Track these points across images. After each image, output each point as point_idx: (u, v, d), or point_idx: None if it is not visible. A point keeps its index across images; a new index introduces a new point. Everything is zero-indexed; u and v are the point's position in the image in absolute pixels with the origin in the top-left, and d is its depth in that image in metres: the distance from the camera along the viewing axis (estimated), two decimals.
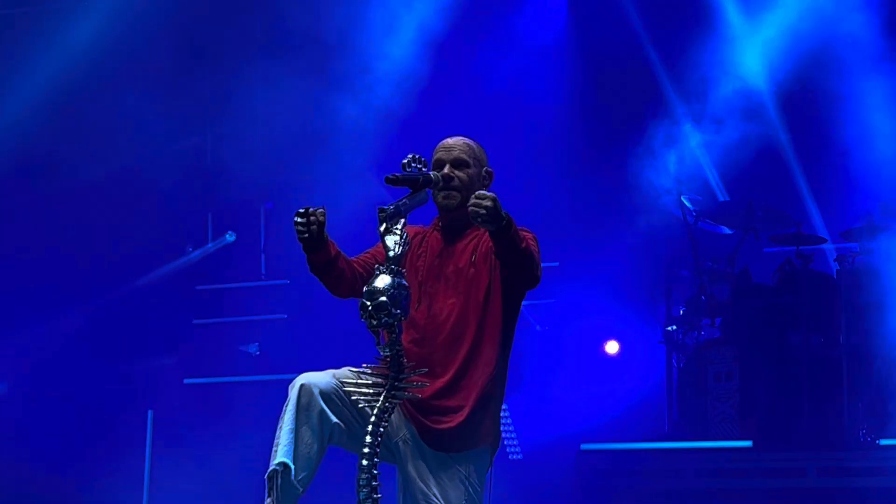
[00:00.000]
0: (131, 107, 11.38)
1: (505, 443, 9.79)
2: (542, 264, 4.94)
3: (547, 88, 11.30)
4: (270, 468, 4.73)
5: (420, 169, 4.75)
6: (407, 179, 4.73)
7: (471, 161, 5.00)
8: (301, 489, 4.72)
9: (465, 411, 4.86)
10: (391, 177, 4.70)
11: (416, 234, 4.90)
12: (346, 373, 4.80)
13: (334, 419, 4.78)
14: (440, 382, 4.79)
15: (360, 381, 4.57)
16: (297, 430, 4.74)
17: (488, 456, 4.97)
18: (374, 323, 4.41)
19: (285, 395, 4.84)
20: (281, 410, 4.78)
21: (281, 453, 4.73)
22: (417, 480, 4.88)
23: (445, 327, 4.89)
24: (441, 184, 4.87)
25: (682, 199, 9.53)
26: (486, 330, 4.91)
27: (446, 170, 4.93)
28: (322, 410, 4.76)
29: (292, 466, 4.70)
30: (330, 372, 4.89)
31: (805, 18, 10.28)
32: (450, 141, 5.07)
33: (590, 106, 11.20)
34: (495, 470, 5.07)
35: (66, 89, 11.25)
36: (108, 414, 10.80)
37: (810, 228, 9.42)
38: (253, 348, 11.37)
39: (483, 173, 5.06)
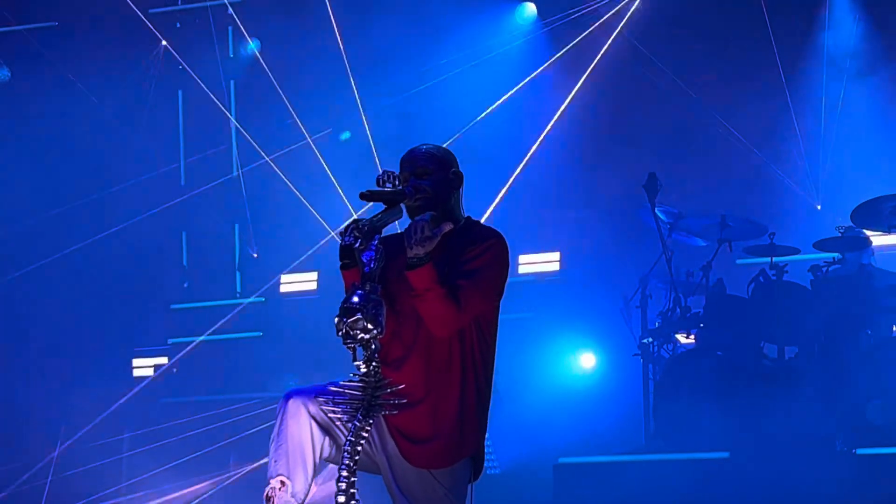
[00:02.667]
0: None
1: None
2: (518, 278, 4.95)
3: (527, 102, 11.35)
4: (268, 486, 4.74)
5: (394, 184, 4.75)
6: (381, 195, 4.74)
7: (433, 167, 5.01)
8: None
9: (445, 429, 4.85)
10: (366, 193, 4.71)
11: (388, 245, 4.90)
12: (326, 389, 4.81)
13: (324, 433, 4.80)
14: (416, 399, 4.79)
15: (336, 398, 4.57)
16: (291, 447, 4.75)
17: (469, 468, 4.97)
18: (351, 340, 4.41)
19: (262, 413, 4.85)
20: (273, 427, 4.80)
21: (277, 469, 4.75)
22: (400, 496, 4.89)
23: (414, 345, 4.89)
24: (410, 198, 4.89)
25: (657, 211, 9.54)
26: (457, 346, 4.90)
27: (410, 181, 4.96)
28: (311, 424, 4.78)
29: (289, 482, 4.71)
30: (318, 386, 4.90)
31: None
32: (412, 152, 5.09)
33: (567, 121, 11.24)
34: (474, 484, 5.06)
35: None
36: (85, 435, 10.75)
37: (784, 239, 9.43)
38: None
39: (450, 175, 5.07)
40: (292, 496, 4.71)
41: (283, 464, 4.73)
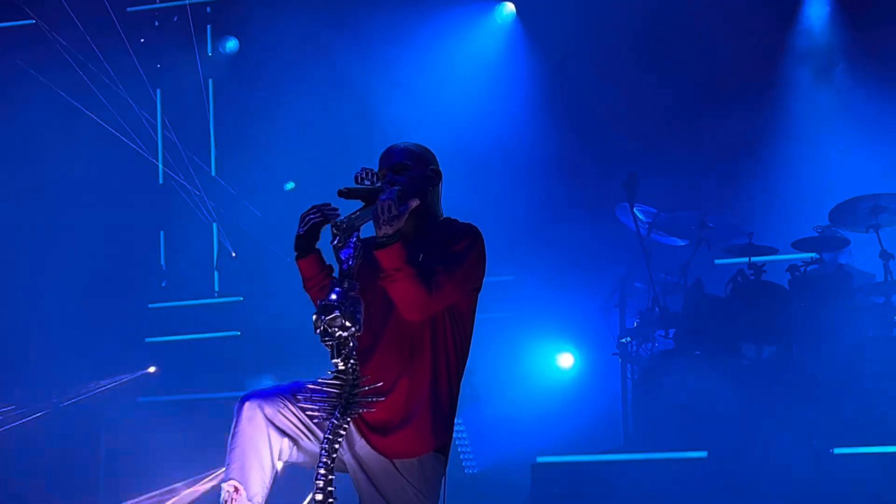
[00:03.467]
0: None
1: (460, 456, 9.78)
2: (498, 279, 4.96)
3: (506, 102, 11.36)
4: (223, 491, 4.72)
5: (371, 181, 4.74)
6: (359, 192, 4.72)
7: (411, 163, 5.01)
8: None
9: (414, 416, 4.84)
10: (343, 190, 4.70)
11: (365, 243, 4.89)
12: (298, 387, 4.79)
13: (282, 436, 4.77)
14: (385, 388, 4.76)
15: (314, 395, 4.55)
16: (245, 450, 4.72)
17: (440, 465, 4.95)
18: (328, 338, 4.40)
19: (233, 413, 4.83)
20: (229, 430, 4.77)
21: (231, 474, 4.72)
22: (369, 496, 4.87)
23: (384, 332, 4.88)
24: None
25: (635, 210, 9.55)
26: (428, 332, 4.89)
27: (388, 178, 4.96)
28: (268, 427, 4.75)
29: (243, 487, 4.68)
30: (277, 387, 4.89)
31: None
32: (390, 149, 5.09)
33: (549, 122, 11.24)
34: (451, 483, 5.04)
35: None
36: (61, 434, 10.71)
37: (762, 239, 9.45)
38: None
39: (429, 173, 5.06)
40: (249, 500, 4.69)
41: (237, 468, 4.71)
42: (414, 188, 4.91)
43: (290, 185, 11.26)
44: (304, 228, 4.95)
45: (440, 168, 5.14)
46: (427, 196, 5.00)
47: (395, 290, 4.73)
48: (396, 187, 4.78)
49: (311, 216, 4.96)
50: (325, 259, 5.06)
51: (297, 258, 5.00)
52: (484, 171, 11.02)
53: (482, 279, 5.00)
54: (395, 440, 4.83)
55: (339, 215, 4.83)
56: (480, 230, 5.02)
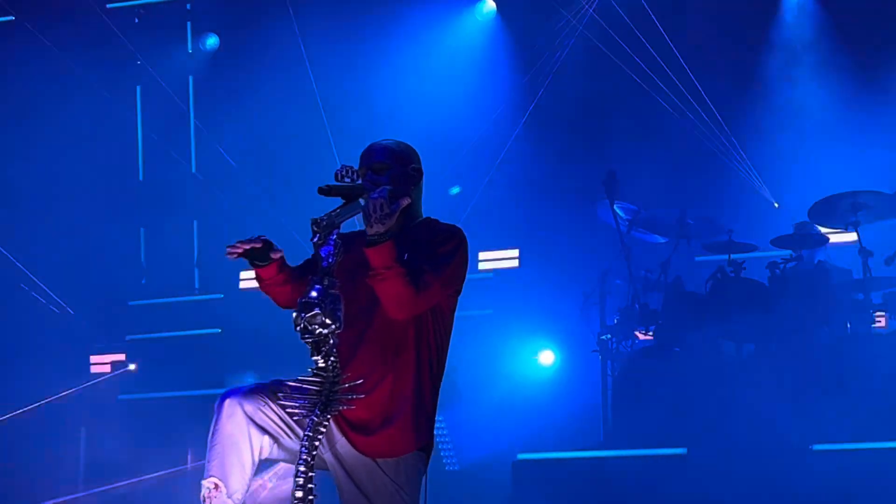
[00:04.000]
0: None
1: (441, 453, 9.79)
2: (477, 275, 4.96)
3: (487, 101, 11.37)
4: (203, 488, 4.71)
5: (352, 179, 4.74)
6: (339, 190, 4.72)
7: (391, 162, 5.01)
8: None
9: (397, 416, 4.84)
10: (324, 187, 4.69)
11: (345, 240, 4.88)
12: (278, 384, 4.79)
13: (262, 433, 4.76)
14: (368, 387, 4.76)
15: (294, 392, 4.55)
16: (225, 447, 4.71)
17: (422, 463, 4.95)
18: (309, 335, 4.40)
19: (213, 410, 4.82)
20: (209, 427, 4.76)
21: (211, 471, 4.71)
22: (350, 493, 4.87)
23: (367, 331, 4.88)
24: (366, 192, 4.87)
25: (615, 208, 9.57)
26: (411, 331, 4.90)
27: (368, 176, 4.96)
28: (249, 424, 4.74)
29: (223, 484, 4.67)
30: (257, 385, 4.88)
31: None
32: (371, 147, 5.09)
33: (529, 120, 11.25)
34: (431, 480, 5.05)
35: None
36: (41, 431, 10.69)
37: (741, 236, 9.48)
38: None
39: (410, 171, 5.06)
40: (229, 497, 4.68)
41: (217, 465, 4.70)
42: (394, 187, 4.90)
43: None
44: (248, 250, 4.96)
45: (422, 166, 5.14)
46: (408, 195, 5.00)
47: (384, 288, 4.73)
48: (388, 186, 4.78)
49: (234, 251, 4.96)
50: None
51: (258, 265, 5.01)
52: (464, 169, 11.03)
53: (464, 281, 5.01)
54: (378, 440, 4.83)
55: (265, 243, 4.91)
56: (463, 231, 5.03)
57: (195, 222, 12.01)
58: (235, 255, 4.94)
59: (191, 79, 12.33)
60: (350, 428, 4.84)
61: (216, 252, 11.77)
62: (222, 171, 11.86)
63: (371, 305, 4.83)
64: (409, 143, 5.20)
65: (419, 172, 5.10)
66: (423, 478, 4.96)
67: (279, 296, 5.12)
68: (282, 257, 5.04)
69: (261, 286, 5.12)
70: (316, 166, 10.27)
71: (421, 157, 5.18)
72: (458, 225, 5.07)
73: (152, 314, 11.79)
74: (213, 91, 12.22)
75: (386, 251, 4.67)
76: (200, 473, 4.74)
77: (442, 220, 5.12)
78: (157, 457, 9.91)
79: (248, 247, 4.91)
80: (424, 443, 4.93)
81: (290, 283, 5.07)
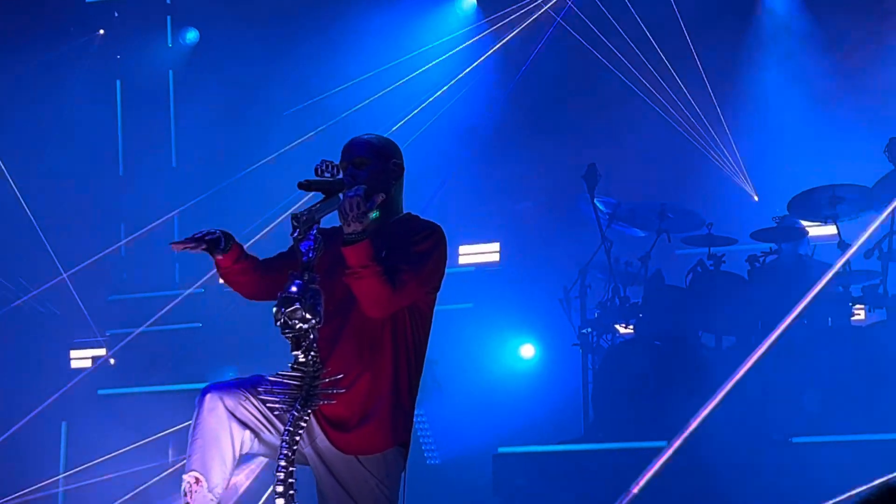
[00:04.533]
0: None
1: (422, 447, 9.80)
2: (458, 269, 4.97)
3: (467, 94, 11.37)
4: (183, 482, 4.71)
5: (332, 174, 4.74)
6: (319, 184, 4.72)
7: (371, 157, 5.00)
8: (215, 500, 4.70)
9: (375, 413, 4.85)
10: (303, 182, 4.69)
11: (325, 235, 4.87)
12: (258, 380, 4.79)
13: (243, 428, 4.76)
14: (346, 384, 4.76)
15: (274, 387, 4.55)
16: (206, 441, 4.71)
17: (401, 458, 4.96)
18: (289, 330, 4.40)
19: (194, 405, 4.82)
20: (191, 422, 4.76)
21: (192, 466, 4.71)
22: (331, 488, 4.87)
23: (345, 328, 4.88)
24: (346, 187, 4.87)
25: (596, 201, 9.58)
26: (389, 329, 4.90)
27: (348, 171, 4.96)
28: (230, 419, 4.74)
29: (204, 478, 4.68)
30: (238, 380, 4.88)
31: None
32: (351, 141, 5.09)
33: (509, 114, 11.26)
34: (412, 474, 5.05)
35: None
36: (21, 426, 10.66)
37: (721, 230, 9.50)
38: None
39: (390, 167, 5.05)
40: (209, 491, 4.69)
41: (198, 459, 4.70)
42: (374, 182, 4.90)
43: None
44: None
45: (403, 161, 5.14)
46: (388, 190, 5.00)
47: (361, 286, 4.72)
48: (363, 185, 4.77)
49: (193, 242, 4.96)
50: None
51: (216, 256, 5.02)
52: (444, 162, 11.04)
53: (442, 279, 5.02)
54: (356, 437, 4.84)
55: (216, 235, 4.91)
56: (442, 228, 5.02)
57: (176, 217, 11.99)
58: (179, 248, 4.95)
59: (171, 73, 12.32)
60: (329, 425, 4.85)
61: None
62: (203, 165, 11.84)
63: (348, 302, 4.83)
64: (390, 138, 5.20)
65: (400, 167, 5.10)
66: (403, 473, 4.97)
67: (241, 286, 5.13)
68: (240, 248, 5.04)
69: (220, 275, 5.12)
70: (295, 161, 10.27)
71: (402, 151, 5.18)
72: (438, 221, 5.08)
73: (133, 309, 11.77)
74: (193, 85, 12.20)
75: (363, 250, 4.67)
76: (181, 468, 4.74)
77: (422, 216, 5.12)
78: (137, 451, 9.90)
79: (191, 244, 4.92)
80: (403, 439, 4.94)
81: (252, 273, 5.07)
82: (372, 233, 4.71)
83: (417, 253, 4.86)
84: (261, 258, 5.15)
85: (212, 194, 11.62)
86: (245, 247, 5.07)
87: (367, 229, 4.67)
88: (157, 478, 9.58)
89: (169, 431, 9.52)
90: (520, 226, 10.94)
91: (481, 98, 11.39)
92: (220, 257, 4.98)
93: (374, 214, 4.69)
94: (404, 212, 5.16)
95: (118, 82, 12.28)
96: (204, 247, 4.95)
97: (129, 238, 11.83)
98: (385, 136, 5.20)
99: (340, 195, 4.74)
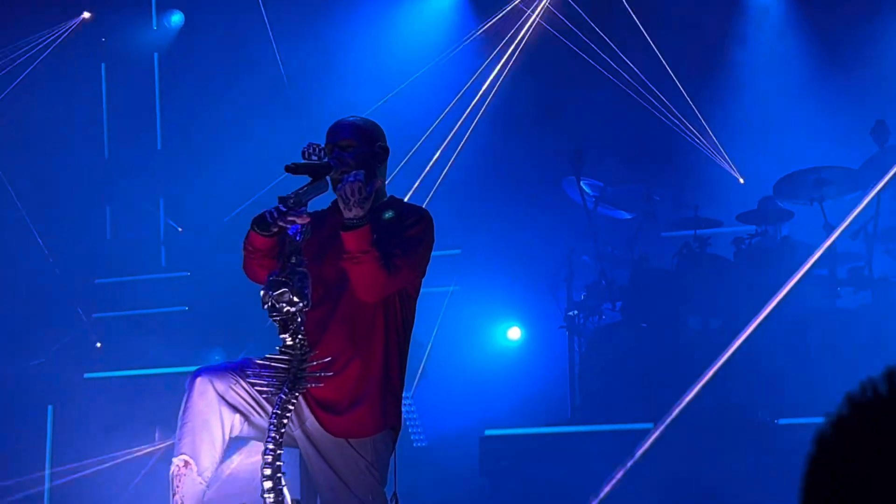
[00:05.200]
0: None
1: (409, 430, 9.81)
2: (445, 252, 4.97)
3: (453, 77, 11.35)
4: (172, 465, 4.71)
5: (319, 157, 4.74)
6: (306, 167, 4.72)
7: (357, 140, 5.00)
8: (205, 483, 4.71)
9: (366, 397, 4.86)
10: (291, 165, 4.70)
11: (313, 218, 4.87)
12: (247, 363, 4.79)
13: (233, 411, 4.77)
14: (337, 368, 4.78)
15: (262, 371, 4.56)
16: (196, 425, 4.72)
17: (391, 441, 4.97)
18: (277, 313, 4.41)
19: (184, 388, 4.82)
20: (180, 405, 4.77)
21: (181, 449, 4.72)
22: (320, 470, 4.88)
23: (336, 312, 4.89)
24: (335, 171, 4.88)
25: (582, 184, 9.59)
26: (380, 312, 4.91)
27: (334, 153, 4.96)
28: (220, 403, 4.75)
29: (194, 462, 4.68)
30: (227, 363, 4.89)
31: None
32: (337, 124, 5.09)
33: (496, 97, 11.24)
34: (399, 457, 5.07)
35: None
36: (7, 410, 10.65)
37: (707, 212, 9.52)
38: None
39: (376, 149, 5.06)
40: (199, 475, 4.69)
41: (188, 442, 4.71)
42: (360, 165, 4.91)
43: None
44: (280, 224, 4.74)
45: (387, 144, 5.14)
46: (374, 173, 5.01)
47: (359, 271, 4.73)
48: (362, 171, 4.77)
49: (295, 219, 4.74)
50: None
51: (258, 232, 4.81)
52: (430, 146, 11.02)
53: (429, 263, 5.04)
54: (346, 420, 4.85)
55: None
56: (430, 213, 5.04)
57: (161, 199, 11.97)
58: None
59: (156, 56, 12.28)
60: (319, 408, 4.86)
61: (184, 229, 11.80)
62: (188, 148, 11.82)
63: (339, 286, 4.84)
64: (374, 121, 5.20)
65: (385, 150, 5.11)
66: (392, 456, 4.98)
67: (260, 271, 5.00)
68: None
69: (251, 254, 4.92)
70: (282, 144, 10.25)
71: (386, 134, 5.19)
72: (425, 205, 5.10)
73: (119, 292, 11.75)
74: (178, 68, 12.17)
75: (363, 235, 4.68)
76: (169, 451, 4.75)
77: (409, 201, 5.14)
78: (124, 435, 9.88)
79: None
80: (393, 423, 4.96)
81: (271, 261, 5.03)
82: (367, 217, 4.73)
83: (409, 238, 4.88)
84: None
85: (197, 177, 11.60)
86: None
87: (367, 214, 4.68)
88: (144, 461, 9.58)
89: (156, 415, 9.51)
90: (506, 209, 10.93)
91: (466, 81, 11.37)
92: (264, 238, 4.80)
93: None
94: (388, 195, 5.17)
95: (103, 65, 12.24)
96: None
97: None
98: (369, 118, 5.20)
99: (328, 178, 4.76)
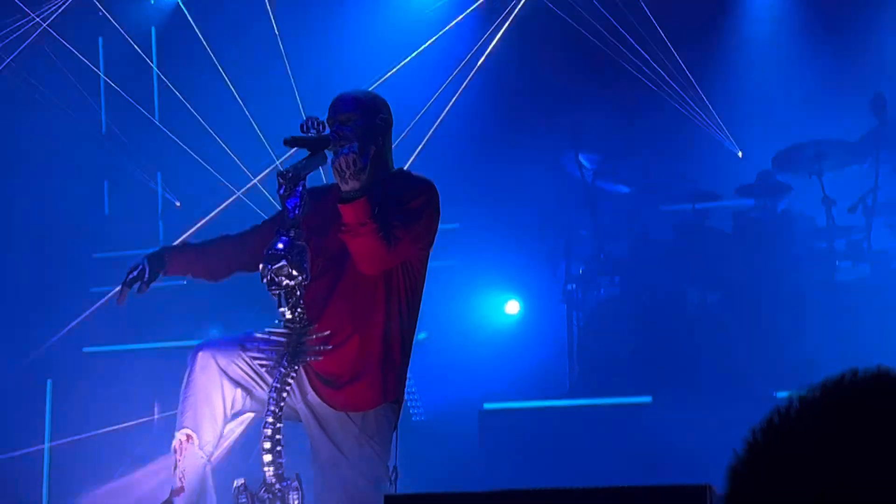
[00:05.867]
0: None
1: (408, 403, 9.81)
2: (443, 227, 4.96)
3: (451, 50, 11.32)
4: (175, 439, 4.72)
5: (318, 130, 4.73)
6: (305, 141, 4.72)
7: (357, 114, 4.99)
8: (206, 457, 4.71)
9: (367, 371, 4.86)
10: (289, 139, 4.69)
11: (313, 193, 4.87)
12: (248, 337, 4.79)
13: (235, 385, 4.78)
14: (338, 341, 4.78)
15: (262, 344, 4.56)
16: (198, 399, 4.73)
17: (392, 414, 4.98)
18: (275, 287, 4.41)
19: (186, 362, 4.83)
20: (182, 379, 4.77)
21: (184, 423, 4.73)
22: (321, 443, 4.89)
23: (337, 286, 4.89)
24: (334, 144, 4.87)
25: (580, 158, 9.58)
26: (382, 286, 4.91)
27: (334, 127, 4.96)
28: (222, 377, 4.76)
29: (196, 435, 4.69)
30: (229, 338, 4.89)
31: None
32: (338, 97, 5.08)
33: (494, 70, 11.21)
34: (398, 430, 5.08)
35: None
36: (5, 385, 10.65)
37: (706, 185, 9.51)
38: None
39: (377, 122, 5.04)
40: (200, 448, 4.70)
41: (190, 416, 4.72)
42: (360, 139, 4.89)
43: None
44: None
45: (391, 117, 5.12)
46: (372, 146, 4.99)
47: (358, 244, 4.73)
48: (356, 142, 4.77)
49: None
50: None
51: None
52: (429, 119, 11.00)
53: (435, 235, 5.03)
54: (347, 394, 4.86)
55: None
56: (434, 185, 5.03)
57: (159, 174, 11.95)
58: (123, 301, 5.04)
59: (153, 29, 12.24)
60: (320, 381, 4.86)
61: (181, 203, 11.79)
62: (186, 122, 11.79)
63: (341, 260, 4.84)
64: (377, 94, 5.18)
65: (387, 123, 5.09)
66: (394, 430, 4.99)
67: (201, 274, 5.19)
68: (180, 255, 5.09)
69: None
70: (281, 118, 10.23)
71: (390, 107, 5.18)
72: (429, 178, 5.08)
73: (117, 266, 11.72)
74: (175, 42, 12.13)
75: (360, 207, 4.67)
76: (167, 424, 4.76)
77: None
78: (123, 408, 9.89)
79: (126, 290, 5.01)
80: (394, 397, 4.96)
81: (203, 260, 5.12)
82: (365, 189, 4.72)
83: (411, 209, 4.87)
84: (235, 232, 5.16)
85: (195, 151, 11.57)
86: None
87: (363, 186, 4.67)
88: (143, 434, 9.59)
89: (154, 388, 9.51)
90: (505, 183, 10.92)
91: (463, 55, 11.34)
92: (167, 273, 5.06)
93: None
94: (395, 168, 5.16)
95: (100, 39, 12.19)
96: (142, 284, 5.01)
97: None
98: (372, 91, 5.19)
99: (326, 152, 4.75)
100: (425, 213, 4.91)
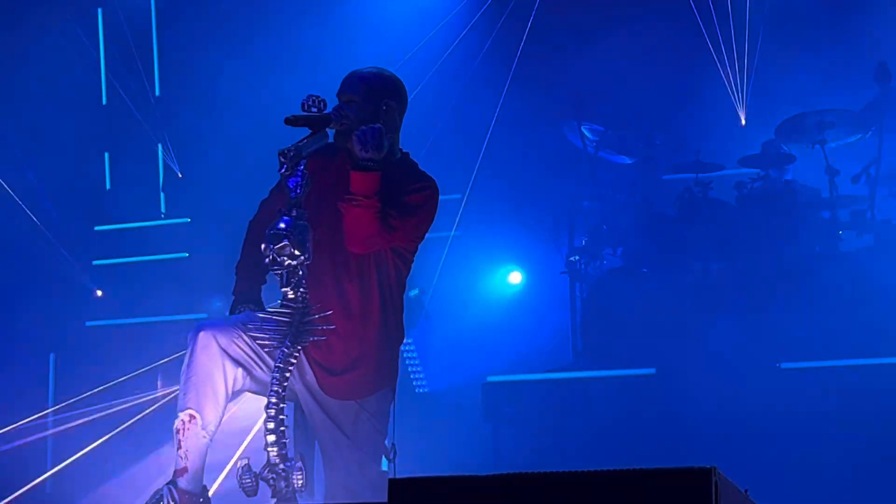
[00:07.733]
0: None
1: (412, 376, 9.82)
2: (446, 197, 4.96)
3: (452, 22, 11.27)
4: (177, 420, 4.72)
5: (319, 109, 4.70)
6: (306, 119, 4.69)
7: (360, 96, 4.94)
8: (209, 437, 4.71)
9: (364, 360, 4.86)
10: (290, 117, 4.66)
11: (314, 171, 4.83)
12: (250, 317, 4.78)
13: (236, 365, 4.76)
14: (332, 329, 4.75)
15: (264, 324, 4.55)
16: (200, 379, 4.71)
17: (390, 392, 4.99)
18: (278, 266, 4.40)
19: (186, 337, 4.82)
20: (183, 358, 4.76)
21: (186, 403, 4.71)
22: (321, 422, 4.89)
23: (332, 269, 4.88)
24: (335, 123, 4.84)
25: (582, 128, 9.54)
26: (375, 275, 4.90)
27: (337, 105, 4.93)
28: (223, 357, 4.74)
29: (198, 415, 4.68)
30: (231, 317, 4.88)
31: None
32: (350, 74, 5.04)
33: (496, 41, 11.17)
34: (402, 404, 5.08)
35: None
36: (9, 358, 10.66)
37: (709, 156, 9.47)
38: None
39: (382, 107, 4.98)
40: (203, 428, 4.69)
41: (193, 397, 4.70)
42: (361, 121, 4.86)
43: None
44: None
45: (400, 103, 5.05)
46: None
47: (353, 215, 4.71)
48: (380, 125, 4.78)
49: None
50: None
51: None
52: (431, 91, 10.96)
53: (426, 233, 5.03)
54: (344, 382, 4.85)
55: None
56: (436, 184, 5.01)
57: (160, 146, 11.93)
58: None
59: (153, 1, 12.20)
60: (319, 368, 4.86)
61: (182, 176, 11.77)
62: (187, 93, 11.76)
63: (338, 246, 4.84)
64: (393, 76, 5.11)
65: (392, 110, 5.00)
66: (392, 406, 5.00)
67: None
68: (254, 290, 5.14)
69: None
70: (282, 94, 10.19)
71: (406, 90, 5.14)
72: (426, 149, 5.07)
73: (119, 239, 11.72)
74: (175, 14, 12.09)
75: (371, 180, 4.67)
76: (171, 400, 4.75)
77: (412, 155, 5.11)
78: (126, 383, 9.90)
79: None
80: (389, 385, 4.97)
81: (262, 275, 5.20)
82: (380, 165, 4.72)
83: (410, 203, 4.85)
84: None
85: (196, 123, 11.55)
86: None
87: (379, 161, 4.67)
88: (147, 409, 9.60)
89: (159, 364, 9.51)
90: (507, 154, 10.89)
91: (465, 27, 11.29)
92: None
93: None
94: (402, 153, 5.12)
95: (100, 10, 12.15)
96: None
97: None
98: (389, 72, 5.12)
99: (328, 130, 4.73)
100: (423, 207, 4.89)
